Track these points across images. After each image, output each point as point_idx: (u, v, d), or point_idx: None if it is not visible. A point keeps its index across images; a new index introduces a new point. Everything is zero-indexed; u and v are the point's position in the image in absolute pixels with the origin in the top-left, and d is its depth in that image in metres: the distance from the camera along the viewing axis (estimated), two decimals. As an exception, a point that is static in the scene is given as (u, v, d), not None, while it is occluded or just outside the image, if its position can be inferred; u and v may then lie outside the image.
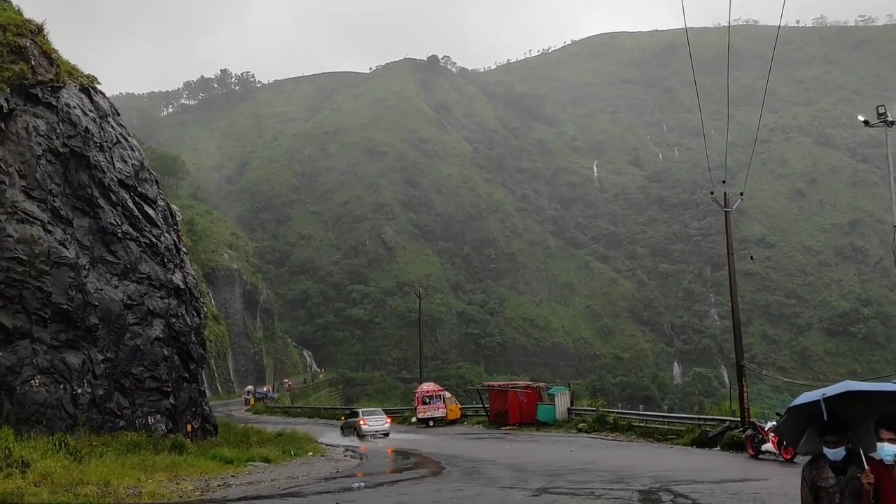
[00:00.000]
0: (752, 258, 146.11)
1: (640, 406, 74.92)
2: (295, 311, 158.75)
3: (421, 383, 56.24)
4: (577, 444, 31.10)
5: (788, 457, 21.91)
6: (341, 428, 44.42)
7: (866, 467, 5.49)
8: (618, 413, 38.86)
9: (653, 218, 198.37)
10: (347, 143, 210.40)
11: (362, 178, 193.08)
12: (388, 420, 43.02)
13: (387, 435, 39.97)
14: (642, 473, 19.82)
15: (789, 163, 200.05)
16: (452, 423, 48.82)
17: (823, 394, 5.74)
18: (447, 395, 51.63)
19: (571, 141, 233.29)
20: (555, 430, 38.84)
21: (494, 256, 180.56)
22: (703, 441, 28.53)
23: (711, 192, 32.92)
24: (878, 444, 5.50)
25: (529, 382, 50.84)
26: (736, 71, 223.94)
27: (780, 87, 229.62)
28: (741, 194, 34.60)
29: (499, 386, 48.27)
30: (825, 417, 5.67)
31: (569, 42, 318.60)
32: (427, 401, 49.51)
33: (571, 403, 42.73)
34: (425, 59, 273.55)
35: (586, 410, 41.07)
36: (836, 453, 5.81)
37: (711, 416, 33.36)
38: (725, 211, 30.78)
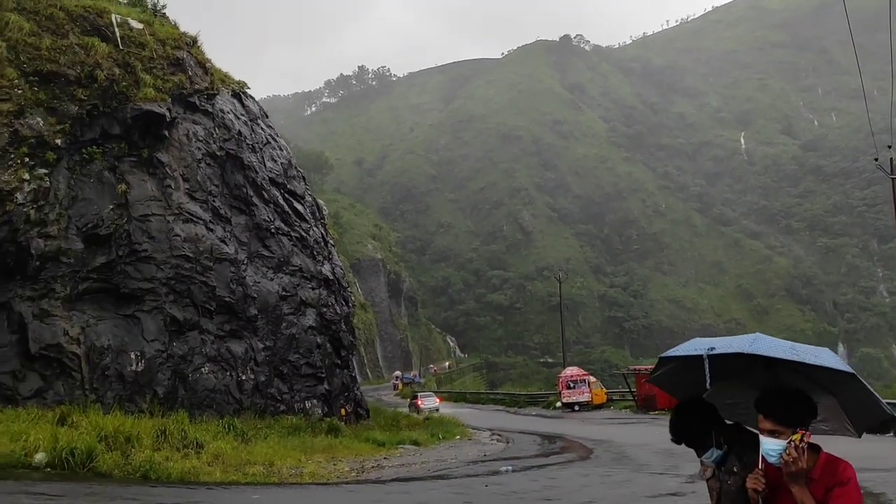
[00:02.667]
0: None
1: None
2: (437, 297, 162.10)
3: (564, 368, 55.76)
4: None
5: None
6: (409, 406, 52.23)
7: (760, 466, 3.59)
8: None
9: (809, 189, 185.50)
10: (482, 129, 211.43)
11: (498, 164, 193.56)
12: (439, 399, 55.31)
13: (437, 411, 46.95)
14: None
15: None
16: (598, 407, 48.12)
17: (711, 348, 3.89)
18: (592, 379, 50.91)
19: (715, 113, 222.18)
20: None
21: (636, 237, 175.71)
22: (874, 427, 26.45)
23: (876, 159, 30.36)
24: (761, 438, 3.62)
25: (678, 366, 49.13)
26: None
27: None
28: (911, 159, 31.63)
29: (646, 370, 47.01)
30: (708, 385, 3.83)
31: (709, 9, 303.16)
32: (571, 385, 49.05)
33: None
34: (557, 39, 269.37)
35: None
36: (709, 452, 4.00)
37: (885, 400, 30.82)
38: (893, 178, 28.28)
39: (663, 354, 4.39)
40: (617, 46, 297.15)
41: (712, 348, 3.88)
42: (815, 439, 3.66)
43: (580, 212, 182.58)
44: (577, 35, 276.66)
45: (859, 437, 4.18)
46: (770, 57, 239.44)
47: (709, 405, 4.04)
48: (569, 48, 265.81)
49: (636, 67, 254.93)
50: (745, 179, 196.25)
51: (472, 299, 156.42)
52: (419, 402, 50.68)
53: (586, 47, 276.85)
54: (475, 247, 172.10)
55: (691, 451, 4.12)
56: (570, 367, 55.16)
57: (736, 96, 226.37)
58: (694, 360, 3.96)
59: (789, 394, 3.61)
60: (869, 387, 3.79)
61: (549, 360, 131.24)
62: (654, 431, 30.69)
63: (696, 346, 4.03)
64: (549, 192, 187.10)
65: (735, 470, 3.90)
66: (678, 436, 4.06)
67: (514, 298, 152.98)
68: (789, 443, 3.50)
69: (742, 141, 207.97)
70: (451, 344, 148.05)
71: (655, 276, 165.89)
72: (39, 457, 13.48)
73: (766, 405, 3.59)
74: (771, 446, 3.54)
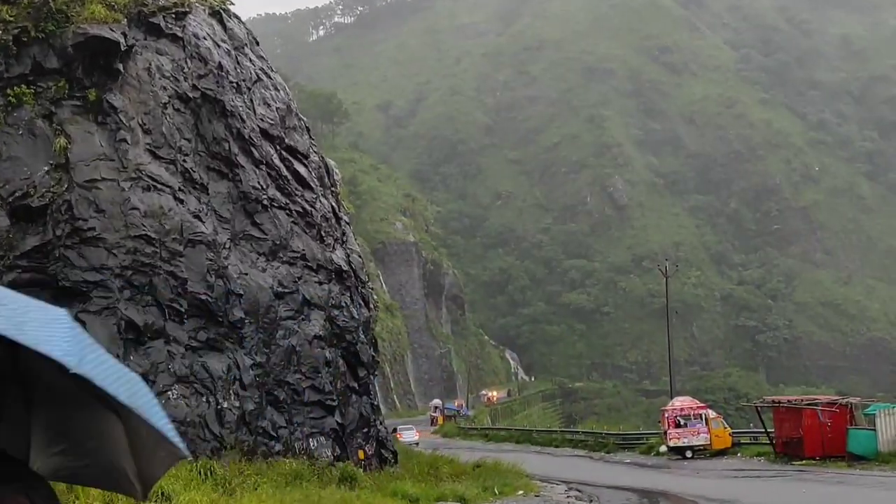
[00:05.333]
0: None
1: None
2: (492, 297, 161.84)
3: (672, 398, 55.39)
4: (912, 490, 29.28)
5: None
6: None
7: None
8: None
9: None
10: (557, 61, 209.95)
11: (579, 110, 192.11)
12: (417, 433, 66.82)
13: (417, 444, 57.94)
14: None
15: None
16: (719, 453, 47.73)
17: None
18: (711, 414, 50.48)
19: None
20: (876, 467, 36.78)
21: (777, 213, 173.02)
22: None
23: None
24: None
25: (835, 397, 48.42)
26: None
27: None
28: None
29: (788, 402, 46.41)
30: None
31: None
32: (682, 422, 48.69)
33: (902, 428, 40.19)
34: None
35: (926, 439, 38.44)
36: None
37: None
38: None
39: None
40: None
41: None
42: None
43: (697, 177, 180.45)
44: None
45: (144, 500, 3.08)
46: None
47: None
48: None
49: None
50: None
51: (541, 300, 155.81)
52: (398, 436, 56.89)
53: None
54: (546, 226, 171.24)
55: None
56: (680, 398, 54.72)
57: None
58: None
59: None
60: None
61: (650, 387, 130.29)
62: (799, 491, 30.32)
63: None
64: (652, 148, 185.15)
65: None
66: None
67: (600, 299, 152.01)
68: None
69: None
70: (512, 363, 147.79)
71: (804, 268, 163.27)
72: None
73: None
74: None
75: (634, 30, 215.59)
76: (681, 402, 51.42)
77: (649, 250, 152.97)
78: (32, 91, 22.95)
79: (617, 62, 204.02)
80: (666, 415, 50.45)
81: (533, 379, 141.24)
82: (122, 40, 24.43)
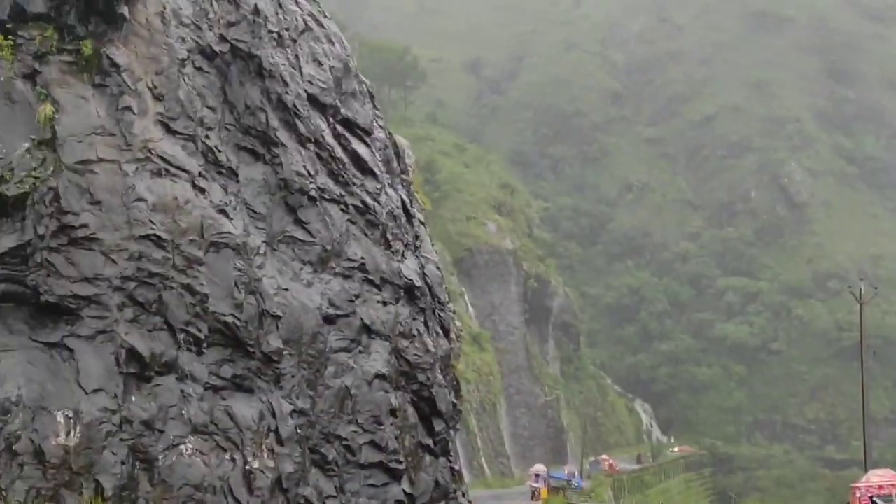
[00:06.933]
0: None
1: None
2: (617, 326, 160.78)
3: (867, 470, 54.53)
4: None
5: None
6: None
7: None
8: None
9: None
10: (711, 4, 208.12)
11: (742, 71, 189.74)
12: None
13: None
14: None
15: None
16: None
17: None
18: (922, 494, 49.55)
19: None
20: None
21: None
22: None
23: None
24: None
25: None
26: None
27: None
28: None
29: None
30: None
31: None
32: (880, 505, 47.94)
33: None
34: None
35: None
36: None
37: None
38: None
39: None
40: None
41: None
42: None
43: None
44: None
45: None
46: None
47: None
48: None
49: None
50: None
51: (685, 332, 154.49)
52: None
53: None
54: (694, 230, 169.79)
55: None
56: (879, 471, 53.82)
57: None
58: None
59: None
60: None
61: (836, 456, 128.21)
62: None
63: None
64: (841, 125, 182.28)
65: None
66: None
67: (768, 332, 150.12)
68: None
69: None
70: (644, 417, 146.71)
71: None
72: None
73: None
74: None
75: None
76: (880, 477, 50.54)
77: (837, 266, 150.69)
78: (11, 42, 23.00)
79: (795, 6, 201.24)
80: (858, 493, 49.63)
81: (672, 440, 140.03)
82: (127, -25, 24.68)
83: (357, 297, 29.06)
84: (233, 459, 24.45)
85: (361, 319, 28.92)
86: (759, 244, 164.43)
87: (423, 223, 35.87)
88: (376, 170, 32.04)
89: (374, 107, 34.52)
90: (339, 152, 30.36)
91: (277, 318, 26.14)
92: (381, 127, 34.35)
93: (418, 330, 31.15)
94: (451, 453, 32.85)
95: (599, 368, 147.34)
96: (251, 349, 25.31)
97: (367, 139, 32.48)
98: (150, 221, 23.60)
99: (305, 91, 29.79)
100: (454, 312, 39.64)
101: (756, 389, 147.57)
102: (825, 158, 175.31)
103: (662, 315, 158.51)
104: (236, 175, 26.68)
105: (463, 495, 33.29)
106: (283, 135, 28.29)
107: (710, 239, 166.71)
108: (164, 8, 25.84)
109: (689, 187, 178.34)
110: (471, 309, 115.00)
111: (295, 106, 28.99)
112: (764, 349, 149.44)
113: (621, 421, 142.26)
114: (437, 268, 35.48)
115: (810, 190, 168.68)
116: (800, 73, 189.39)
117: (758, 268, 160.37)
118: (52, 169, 22.59)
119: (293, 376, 26.40)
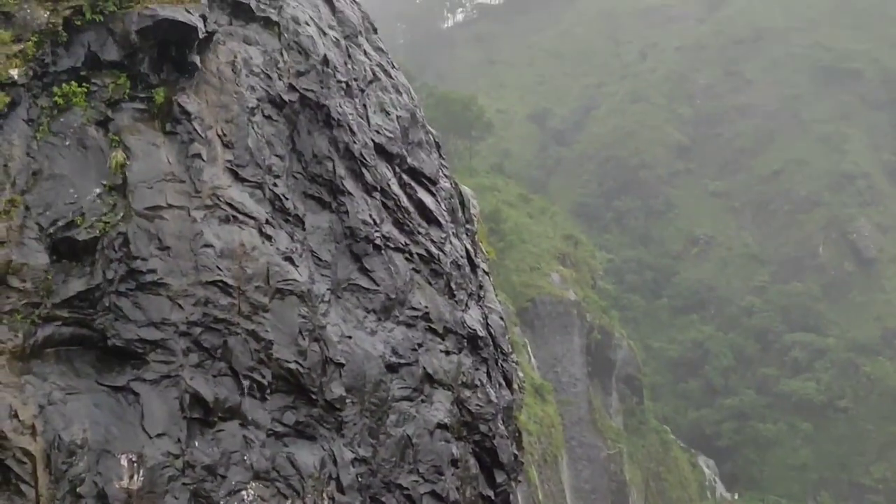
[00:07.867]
0: None
1: None
2: (682, 380, 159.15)
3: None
4: None
5: None
6: None
7: None
8: None
9: None
10: (779, 58, 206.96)
11: (809, 125, 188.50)
12: None
13: None
14: None
15: None
16: None
17: None
18: None
19: None
20: None
21: None
22: None
23: None
24: None
25: None
26: None
27: None
28: None
29: None
30: None
31: None
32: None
33: None
34: None
35: None
36: None
37: None
38: None
39: None
40: None
41: None
42: None
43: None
44: None
45: None
46: None
47: None
48: None
49: None
50: None
51: (750, 387, 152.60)
52: None
53: None
54: (760, 285, 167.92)
55: None
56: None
57: None
58: None
59: None
60: None
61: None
62: None
63: None
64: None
65: None
66: None
67: (835, 390, 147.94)
68: None
69: None
70: (708, 472, 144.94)
71: None
72: None
73: None
74: None
75: (890, 17, 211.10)
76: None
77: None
78: (85, 90, 23.25)
79: (864, 60, 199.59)
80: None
81: (737, 497, 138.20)
82: (200, 25, 24.78)
83: (420, 345, 29.03)
84: (294, 506, 24.44)
85: (424, 368, 28.87)
86: (827, 300, 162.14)
87: (487, 273, 35.80)
88: (441, 219, 32.06)
89: (441, 156, 34.60)
90: (404, 201, 30.42)
91: (341, 365, 26.18)
92: (446, 176, 34.41)
93: (481, 380, 31.04)
94: (513, 505, 32.63)
95: (663, 422, 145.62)
96: (314, 396, 25.35)
97: (433, 188, 32.53)
98: (217, 268, 23.79)
99: (372, 140, 29.93)
100: (517, 363, 39.42)
101: (822, 447, 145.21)
102: (894, 214, 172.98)
103: (727, 370, 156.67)
104: (302, 223, 26.81)
105: (523, 548, 33.04)
106: (349, 183, 28.41)
107: (776, 294, 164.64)
108: (235, 57, 26.10)
109: (755, 242, 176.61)
110: (533, 360, 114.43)
111: (362, 155, 29.12)
112: (830, 406, 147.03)
113: (684, 476, 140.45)
114: (501, 318, 35.39)
115: (879, 245, 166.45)
116: (869, 128, 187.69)
117: (825, 324, 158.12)
118: (122, 214, 22.82)
119: (355, 424, 26.39)
